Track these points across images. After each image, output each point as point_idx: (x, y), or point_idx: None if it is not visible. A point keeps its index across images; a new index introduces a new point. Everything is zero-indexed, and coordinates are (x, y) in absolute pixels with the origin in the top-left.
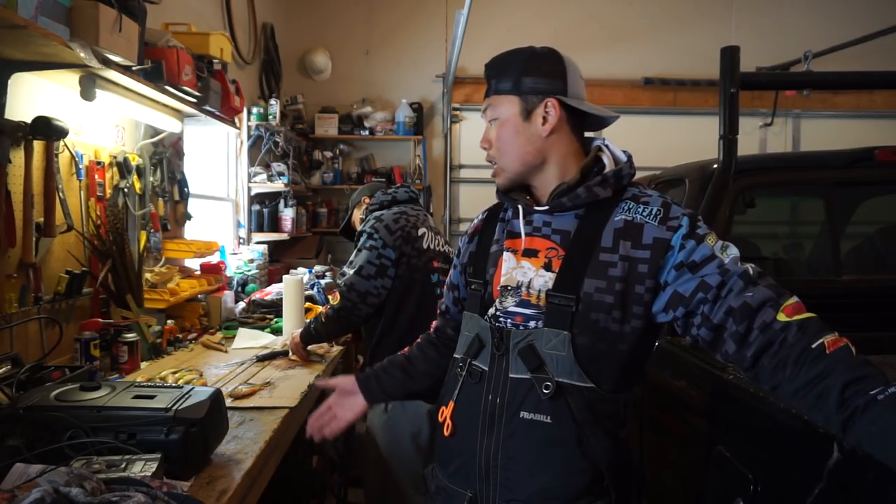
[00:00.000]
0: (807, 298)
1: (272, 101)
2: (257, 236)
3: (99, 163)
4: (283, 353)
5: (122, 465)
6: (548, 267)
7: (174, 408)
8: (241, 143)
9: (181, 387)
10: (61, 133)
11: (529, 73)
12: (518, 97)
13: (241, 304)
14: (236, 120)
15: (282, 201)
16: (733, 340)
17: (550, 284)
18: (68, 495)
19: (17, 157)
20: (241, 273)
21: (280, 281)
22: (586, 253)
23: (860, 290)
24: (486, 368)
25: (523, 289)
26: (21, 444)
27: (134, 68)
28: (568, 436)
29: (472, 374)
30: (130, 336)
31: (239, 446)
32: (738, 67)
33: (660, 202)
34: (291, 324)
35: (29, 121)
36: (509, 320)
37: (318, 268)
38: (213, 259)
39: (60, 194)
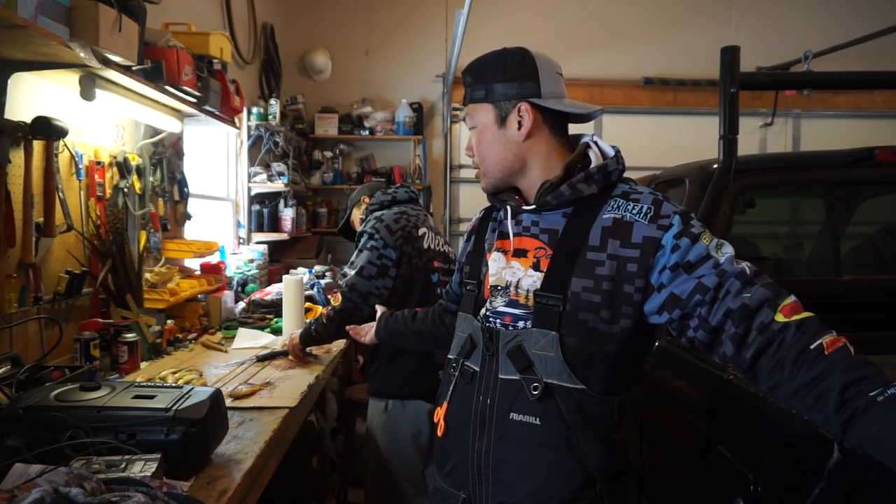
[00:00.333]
0: (807, 298)
1: (272, 101)
2: (257, 236)
3: (99, 163)
4: (283, 353)
5: (122, 465)
6: (536, 266)
7: (174, 408)
8: (241, 143)
9: (181, 387)
10: (61, 133)
11: (500, 78)
12: (492, 105)
13: (241, 304)
14: (236, 120)
15: (282, 201)
16: (732, 342)
17: (538, 284)
18: (68, 495)
19: (17, 157)
20: (241, 273)
21: (280, 281)
22: (573, 252)
23: (860, 290)
24: (478, 369)
25: (512, 289)
26: (21, 444)
27: (134, 68)
28: (557, 438)
29: (464, 374)
30: (130, 336)
31: (239, 446)
32: (738, 67)
33: (650, 199)
34: (291, 324)
35: (29, 121)
36: (499, 320)
37: (317, 268)
38: (213, 259)
39: (60, 194)
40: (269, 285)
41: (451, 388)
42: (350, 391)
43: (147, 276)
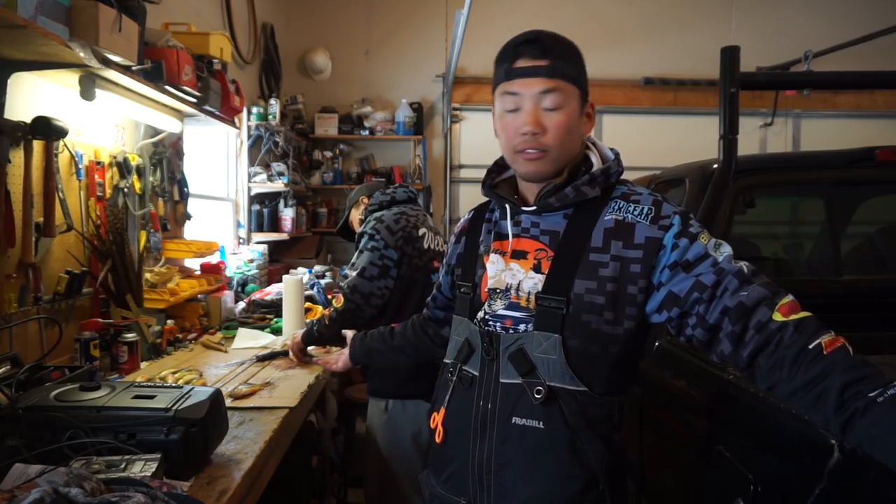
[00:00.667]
0: (807, 298)
1: (272, 101)
2: (257, 236)
3: (99, 163)
4: (283, 353)
5: (122, 466)
6: (537, 269)
7: (174, 408)
8: (241, 142)
9: (181, 387)
10: (61, 133)
11: (582, 68)
12: (579, 91)
13: (241, 304)
14: (236, 120)
15: (282, 201)
16: (729, 340)
17: (540, 286)
18: (68, 495)
19: (17, 157)
20: (240, 273)
21: (280, 281)
22: (576, 253)
23: (860, 290)
24: (477, 374)
25: (512, 291)
26: (21, 445)
27: (134, 68)
28: (561, 441)
29: (462, 379)
30: (130, 336)
31: (239, 446)
32: (738, 67)
33: (650, 200)
34: (291, 324)
35: (29, 121)
36: (499, 324)
37: (317, 268)
38: (213, 259)
39: (60, 194)
40: (269, 285)
41: (448, 394)
42: (350, 391)
43: (147, 276)
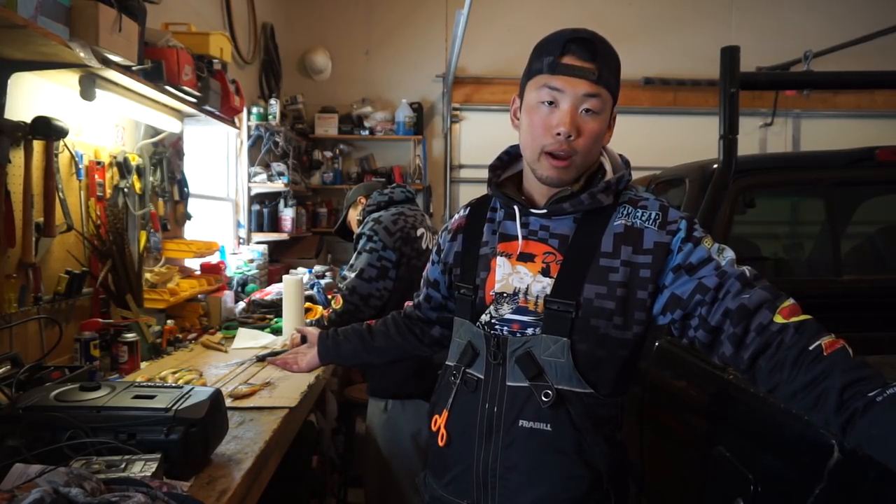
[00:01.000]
0: (807, 298)
1: (272, 101)
2: (257, 236)
3: (99, 163)
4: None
5: (122, 466)
6: (545, 272)
7: (174, 408)
8: (241, 143)
9: (181, 387)
10: (61, 133)
11: (619, 79)
12: (612, 101)
13: (241, 304)
14: (236, 120)
15: (282, 201)
16: (730, 342)
17: (548, 290)
18: (68, 495)
19: (17, 157)
20: (240, 273)
21: (280, 281)
22: (586, 258)
23: (860, 290)
24: (482, 377)
25: (521, 295)
26: (21, 445)
27: (134, 68)
28: (568, 443)
29: (466, 382)
30: (130, 336)
31: (239, 446)
32: (738, 67)
33: (657, 206)
34: (291, 324)
35: (29, 121)
36: (506, 328)
37: (317, 268)
38: (213, 259)
39: (60, 194)
40: (269, 285)
41: (451, 396)
42: (350, 391)
43: (147, 276)
